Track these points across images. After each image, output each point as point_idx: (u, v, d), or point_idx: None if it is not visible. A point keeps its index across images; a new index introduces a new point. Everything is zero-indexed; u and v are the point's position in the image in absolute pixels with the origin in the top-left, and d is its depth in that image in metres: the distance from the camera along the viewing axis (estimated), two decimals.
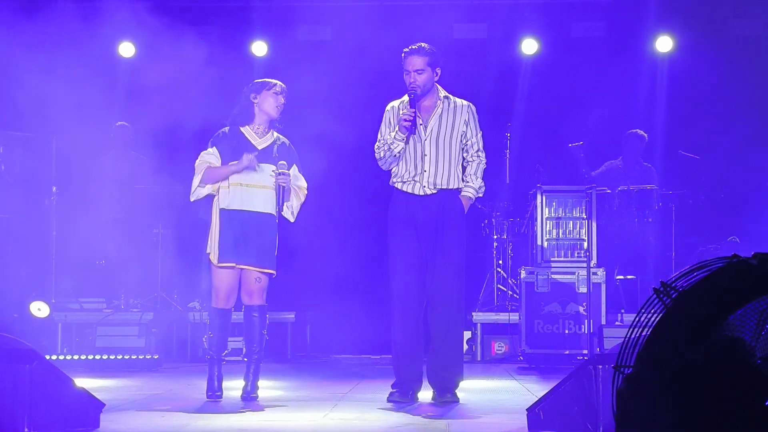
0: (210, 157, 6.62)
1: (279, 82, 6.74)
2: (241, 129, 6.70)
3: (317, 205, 10.77)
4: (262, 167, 6.59)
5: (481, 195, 6.69)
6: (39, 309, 9.70)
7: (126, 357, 8.89)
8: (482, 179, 6.66)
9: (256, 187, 6.59)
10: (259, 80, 6.80)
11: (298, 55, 11.30)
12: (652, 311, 2.58)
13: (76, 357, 8.96)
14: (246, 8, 11.41)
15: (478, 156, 6.63)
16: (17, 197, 10.56)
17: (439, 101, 6.62)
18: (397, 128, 6.53)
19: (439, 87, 6.67)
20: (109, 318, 9.92)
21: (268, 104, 6.68)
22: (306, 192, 6.74)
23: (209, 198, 6.67)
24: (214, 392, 6.63)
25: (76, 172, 11.03)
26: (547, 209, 9.48)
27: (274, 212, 6.64)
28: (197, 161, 6.66)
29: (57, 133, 11.08)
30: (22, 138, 10.90)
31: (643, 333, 2.56)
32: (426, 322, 6.63)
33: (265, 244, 6.62)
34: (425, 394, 6.60)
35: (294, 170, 6.69)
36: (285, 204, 6.62)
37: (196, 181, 6.61)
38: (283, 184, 6.56)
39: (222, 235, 6.55)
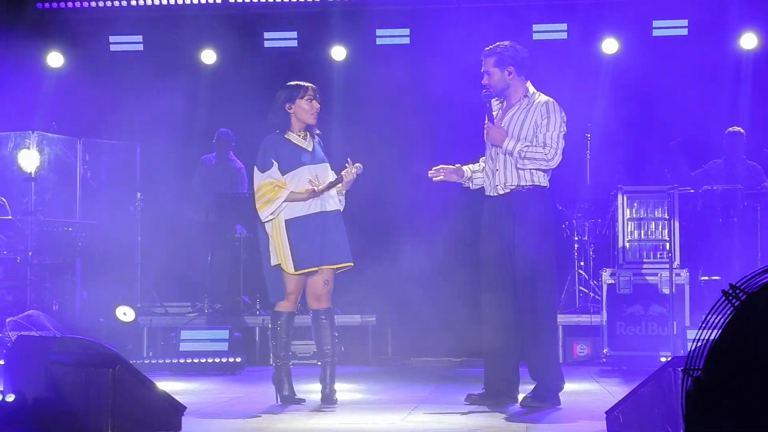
0: (276, 177, 6.56)
1: (310, 85, 6.68)
2: (285, 136, 6.65)
3: (397, 208, 10.84)
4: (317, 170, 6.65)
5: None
6: (125, 313, 9.88)
7: (209, 360, 8.99)
8: (529, 161, 6.37)
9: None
10: (291, 84, 6.70)
11: (377, 58, 11.33)
12: (722, 313, 2.55)
13: (160, 361, 9.11)
14: (324, 13, 11.47)
15: (544, 146, 6.37)
16: (103, 204, 10.78)
17: (520, 100, 6.56)
18: None
19: (527, 86, 6.56)
20: (193, 322, 10.08)
21: (304, 112, 6.62)
22: None
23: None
24: (286, 398, 6.61)
25: (161, 177, 11.23)
26: (628, 210, 9.35)
27: (340, 208, 6.72)
28: (264, 184, 6.56)
29: (141, 140, 11.30)
30: (107, 145, 11.14)
31: (713, 335, 2.53)
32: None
33: (342, 240, 6.65)
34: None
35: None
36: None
37: (277, 203, 6.53)
38: (354, 177, 6.65)
39: (294, 243, 6.52)
